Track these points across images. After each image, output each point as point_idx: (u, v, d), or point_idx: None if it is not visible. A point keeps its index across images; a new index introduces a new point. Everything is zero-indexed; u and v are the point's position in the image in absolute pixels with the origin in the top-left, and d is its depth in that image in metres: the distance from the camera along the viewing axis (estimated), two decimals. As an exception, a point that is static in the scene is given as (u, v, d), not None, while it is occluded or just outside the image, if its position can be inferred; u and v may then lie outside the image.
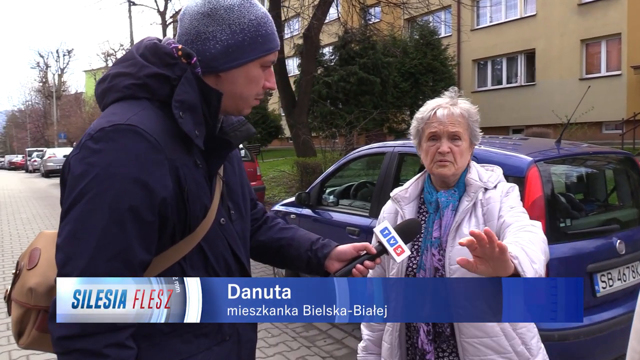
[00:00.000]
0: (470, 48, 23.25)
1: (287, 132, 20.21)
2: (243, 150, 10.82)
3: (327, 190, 5.39)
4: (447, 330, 1.69)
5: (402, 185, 1.96)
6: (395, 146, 4.32)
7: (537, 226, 1.57)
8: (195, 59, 1.21)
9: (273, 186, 13.99)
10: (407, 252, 1.46)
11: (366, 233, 4.15)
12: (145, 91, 1.20)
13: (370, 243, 1.54)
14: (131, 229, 1.10)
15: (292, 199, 5.53)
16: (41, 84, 61.01)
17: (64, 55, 59.04)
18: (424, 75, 21.31)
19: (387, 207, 1.93)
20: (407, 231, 1.53)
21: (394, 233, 1.47)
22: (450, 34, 23.44)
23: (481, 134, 1.83)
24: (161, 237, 1.18)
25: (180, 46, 1.22)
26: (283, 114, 17.40)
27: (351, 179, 6.01)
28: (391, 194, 1.91)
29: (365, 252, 1.48)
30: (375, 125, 19.08)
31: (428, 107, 1.80)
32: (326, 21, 17.46)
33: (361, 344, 2.00)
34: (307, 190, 5.33)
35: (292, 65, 25.71)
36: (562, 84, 19.12)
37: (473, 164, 1.83)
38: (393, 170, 4.17)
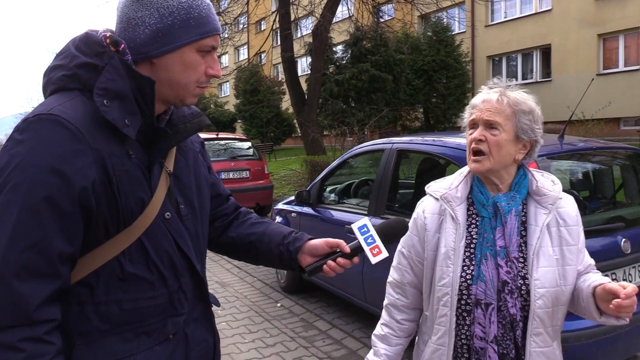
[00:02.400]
0: (485, 44, 22.93)
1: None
2: (251, 149, 10.76)
3: (328, 189, 5.30)
4: (512, 353, 1.56)
5: (435, 181, 1.78)
6: (393, 142, 4.21)
7: (592, 266, 1.66)
8: (123, 45, 1.18)
9: (283, 184, 13.95)
10: (385, 254, 1.36)
11: (364, 232, 4.05)
12: (76, 82, 1.17)
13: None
14: (48, 219, 1.07)
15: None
16: (59, 86, 61.80)
17: (80, 56, 59.51)
18: (437, 72, 21.09)
19: (429, 207, 1.72)
20: (390, 232, 1.43)
21: (372, 232, 1.38)
22: (464, 30, 23.14)
23: (539, 130, 1.64)
24: (91, 230, 1.14)
25: (108, 34, 1.20)
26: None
27: (354, 177, 5.91)
28: (434, 192, 1.71)
29: (338, 250, 1.40)
30: (388, 123, 18.93)
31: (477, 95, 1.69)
32: (338, 19, 17.36)
33: (373, 357, 1.79)
34: (307, 189, 5.25)
35: (306, 64, 25.68)
36: (578, 79, 18.70)
37: (529, 169, 1.67)
38: (391, 168, 4.07)
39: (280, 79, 29.11)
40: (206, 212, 1.43)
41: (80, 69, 1.17)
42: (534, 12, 21.45)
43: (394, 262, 1.85)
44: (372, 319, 4.61)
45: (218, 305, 1.49)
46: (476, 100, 1.65)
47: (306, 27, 21.20)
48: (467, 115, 1.67)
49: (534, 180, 1.62)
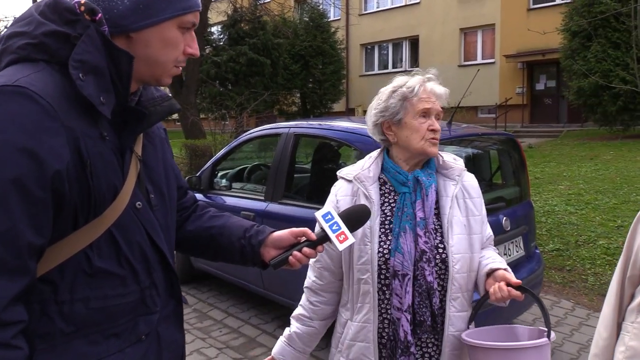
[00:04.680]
0: (359, 32, 23.74)
1: (175, 114, 19.38)
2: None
3: (219, 174, 5.14)
4: (429, 320, 1.61)
5: (347, 167, 1.82)
6: (290, 127, 4.18)
7: (491, 238, 1.81)
8: (100, 15, 1.05)
9: (160, 170, 13.32)
10: (351, 240, 1.36)
11: (262, 217, 3.99)
12: (43, 52, 1.03)
13: (277, 228, 1.41)
14: (16, 206, 0.92)
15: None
16: None
17: None
18: (314, 57, 21.46)
19: (342, 190, 1.75)
20: (354, 217, 1.43)
21: (337, 218, 1.37)
22: (339, 17, 23.74)
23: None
24: (59, 219, 1.00)
25: (83, 1, 1.06)
26: (170, 95, 16.63)
27: (244, 162, 5.80)
28: (347, 175, 1.75)
29: (304, 238, 1.37)
30: (266, 107, 18.89)
31: (414, 82, 1.68)
32: (215, -2, 16.81)
33: (286, 331, 1.84)
34: (197, 174, 5.05)
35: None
36: (443, 69, 19.79)
37: None
38: (289, 152, 4.03)
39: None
40: (174, 202, 1.33)
41: (49, 38, 1.03)
42: (404, 4, 22.62)
43: None
44: (269, 306, 4.60)
45: (186, 303, 1.38)
46: (422, 87, 1.68)
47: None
48: (414, 101, 1.68)
49: (440, 157, 1.74)
